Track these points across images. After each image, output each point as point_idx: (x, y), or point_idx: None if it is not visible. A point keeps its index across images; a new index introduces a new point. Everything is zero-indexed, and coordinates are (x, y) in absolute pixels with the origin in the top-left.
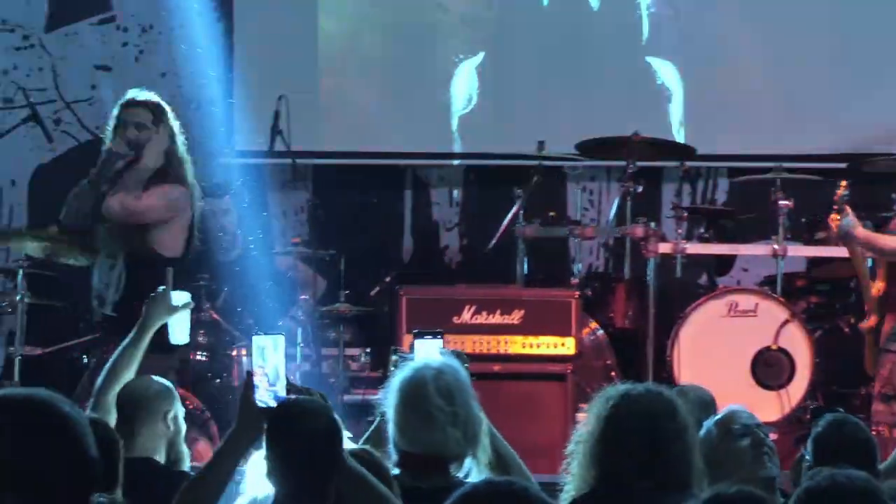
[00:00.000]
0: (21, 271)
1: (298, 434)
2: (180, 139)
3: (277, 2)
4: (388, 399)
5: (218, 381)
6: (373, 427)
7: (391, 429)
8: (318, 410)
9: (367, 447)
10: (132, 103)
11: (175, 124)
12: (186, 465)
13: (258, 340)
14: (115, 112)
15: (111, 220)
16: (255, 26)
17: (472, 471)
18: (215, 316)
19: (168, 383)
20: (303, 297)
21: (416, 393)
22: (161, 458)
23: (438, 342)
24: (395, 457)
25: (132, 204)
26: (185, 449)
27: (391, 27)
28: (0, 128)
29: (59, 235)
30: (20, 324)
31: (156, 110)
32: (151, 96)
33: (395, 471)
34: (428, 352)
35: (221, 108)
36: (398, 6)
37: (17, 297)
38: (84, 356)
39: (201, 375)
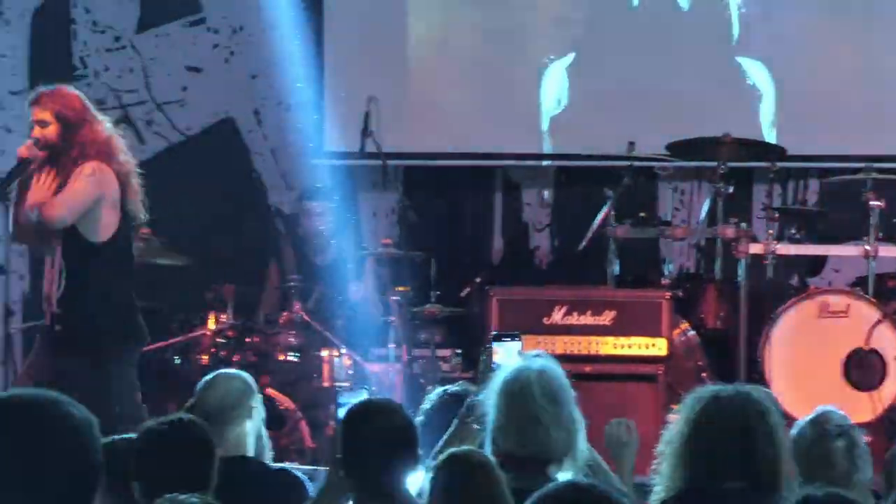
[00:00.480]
0: None
1: (373, 431)
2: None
3: (367, 3)
4: (489, 401)
5: (308, 382)
6: (454, 428)
7: (492, 430)
8: (392, 409)
9: (470, 448)
10: (31, 101)
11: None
12: (268, 455)
13: (501, 344)
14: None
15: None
16: (345, 28)
17: (571, 472)
18: (306, 317)
19: (247, 376)
20: (394, 297)
21: (520, 394)
22: (251, 452)
23: (517, 344)
24: (493, 458)
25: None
26: (267, 440)
27: (481, 28)
28: None
29: (151, 236)
30: None
31: (54, 103)
32: (46, 89)
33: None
34: (507, 354)
35: (312, 110)
36: (488, 7)
37: None
38: (176, 357)
39: (291, 376)
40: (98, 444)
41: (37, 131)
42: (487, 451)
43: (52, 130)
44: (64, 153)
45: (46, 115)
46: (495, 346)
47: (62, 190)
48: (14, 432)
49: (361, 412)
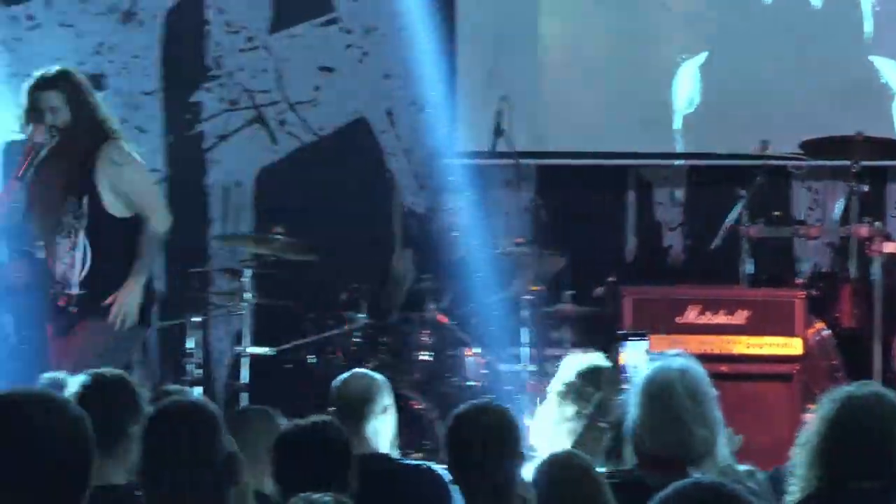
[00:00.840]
0: (248, 272)
1: (479, 430)
2: (96, 97)
3: (500, 3)
4: (630, 400)
5: (441, 381)
6: (583, 429)
7: (633, 430)
8: (494, 410)
9: (571, 450)
10: (40, 86)
11: (87, 89)
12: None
13: (628, 344)
14: (25, 98)
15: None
16: (477, 28)
17: (710, 472)
18: (440, 317)
19: (381, 376)
20: (526, 297)
21: (664, 394)
22: (387, 449)
23: (644, 343)
24: (634, 458)
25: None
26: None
27: (613, 27)
28: (225, 129)
29: (285, 235)
30: (247, 324)
31: (66, 87)
32: (56, 71)
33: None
34: (635, 354)
35: (444, 109)
36: (621, 6)
37: (244, 297)
38: (311, 356)
39: (425, 376)
40: (83, 445)
41: (48, 118)
42: (627, 451)
43: (64, 115)
44: (78, 137)
45: (58, 101)
46: (622, 346)
47: (129, 185)
48: (8, 429)
49: (467, 413)
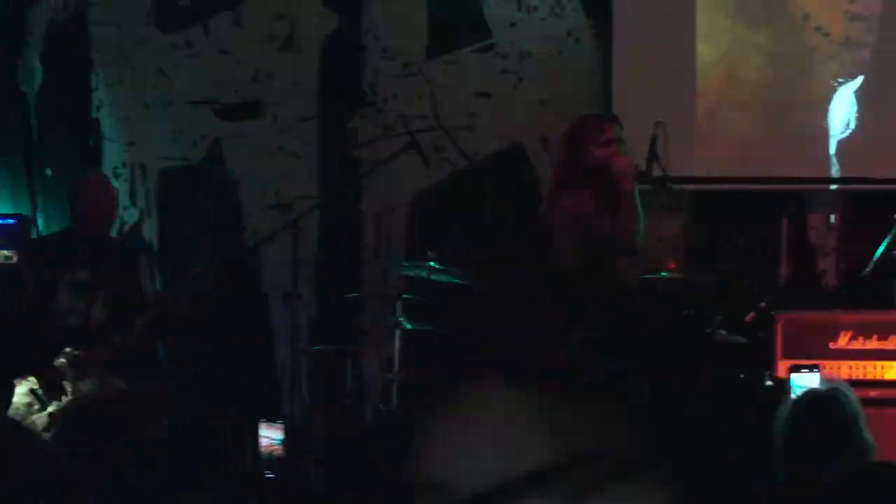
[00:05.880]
0: (400, 299)
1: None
2: None
3: (656, 28)
4: (777, 424)
5: None
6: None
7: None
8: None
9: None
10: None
11: None
12: None
13: (800, 376)
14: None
15: None
16: (633, 52)
17: None
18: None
19: None
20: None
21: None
22: None
23: (816, 375)
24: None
25: None
26: None
27: (769, 51)
28: (380, 155)
29: (437, 262)
30: (397, 349)
31: None
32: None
33: None
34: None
35: None
36: (777, 31)
37: (397, 323)
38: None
39: None
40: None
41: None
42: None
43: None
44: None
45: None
46: (794, 376)
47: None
48: None
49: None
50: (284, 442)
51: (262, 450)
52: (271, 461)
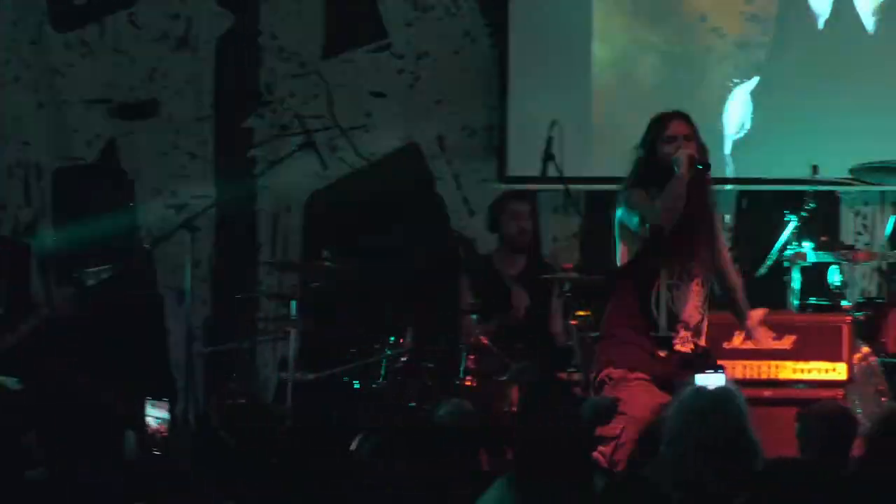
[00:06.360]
0: (295, 299)
1: None
2: None
3: (552, 28)
4: (667, 424)
5: (487, 407)
6: None
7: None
8: None
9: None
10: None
11: None
12: None
13: (703, 378)
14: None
15: None
16: (528, 53)
17: None
18: (484, 340)
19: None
20: (574, 322)
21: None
22: None
23: (720, 377)
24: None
25: None
26: None
27: (665, 52)
28: (275, 155)
29: (333, 261)
30: (292, 349)
31: None
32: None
33: None
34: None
35: (495, 134)
36: (672, 32)
37: (291, 323)
38: (355, 381)
39: (471, 401)
40: None
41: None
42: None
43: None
44: None
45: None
46: (697, 378)
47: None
48: None
49: None
50: (169, 420)
51: (149, 429)
52: (156, 440)
